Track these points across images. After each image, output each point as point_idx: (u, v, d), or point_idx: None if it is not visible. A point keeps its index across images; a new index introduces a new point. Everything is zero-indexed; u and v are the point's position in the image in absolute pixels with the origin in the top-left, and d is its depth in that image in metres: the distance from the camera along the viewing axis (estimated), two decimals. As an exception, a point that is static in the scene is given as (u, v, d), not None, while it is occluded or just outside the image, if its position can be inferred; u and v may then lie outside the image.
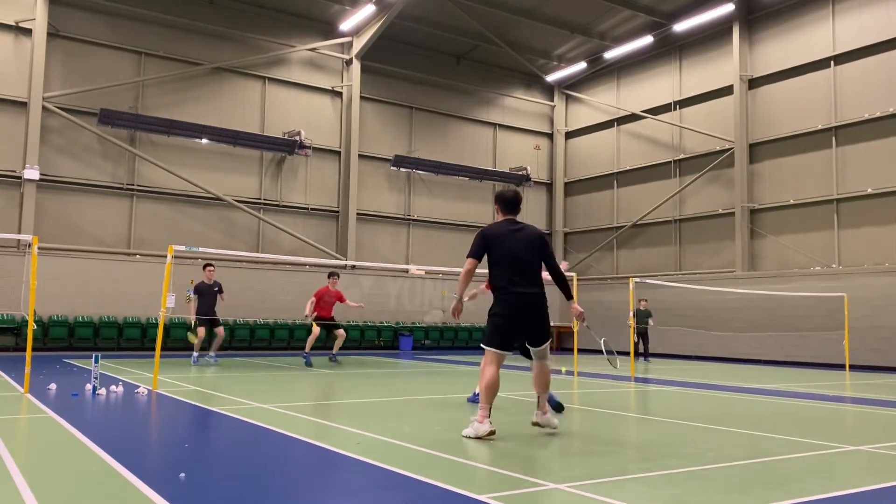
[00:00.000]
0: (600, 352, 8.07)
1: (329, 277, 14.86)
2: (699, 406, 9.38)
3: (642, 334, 19.10)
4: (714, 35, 23.11)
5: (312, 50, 23.11)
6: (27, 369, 8.79)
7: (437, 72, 25.52)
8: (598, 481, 4.53)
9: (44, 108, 18.73)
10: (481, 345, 6.36)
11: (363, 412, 7.99)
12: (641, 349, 19.15)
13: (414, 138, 25.19)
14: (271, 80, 22.59)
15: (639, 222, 25.18)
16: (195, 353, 14.17)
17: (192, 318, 14.08)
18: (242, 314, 19.45)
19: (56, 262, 18.01)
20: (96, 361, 8.76)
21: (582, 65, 26.57)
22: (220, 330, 14.40)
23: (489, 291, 6.67)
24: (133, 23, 20.39)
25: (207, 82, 21.58)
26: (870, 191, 19.19)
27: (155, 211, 20.56)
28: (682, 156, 24.13)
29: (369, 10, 22.02)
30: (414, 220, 25.07)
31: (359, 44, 23.32)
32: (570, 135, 28.43)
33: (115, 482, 4.30)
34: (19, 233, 17.73)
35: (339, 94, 23.77)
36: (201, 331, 14.13)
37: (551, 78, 27.52)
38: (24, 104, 18.69)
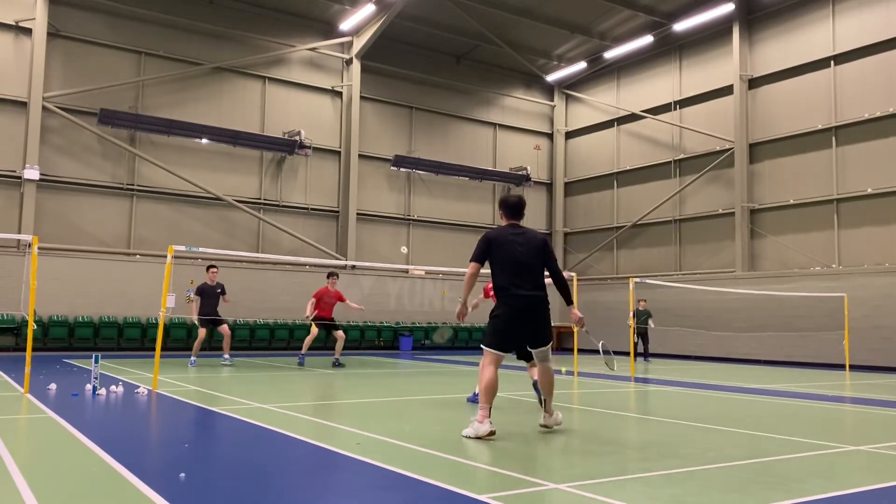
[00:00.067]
0: (604, 347, 8.11)
1: (328, 278, 14.82)
2: (699, 406, 9.38)
3: (642, 334, 19.09)
4: (714, 35, 23.11)
5: (312, 50, 23.12)
6: (27, 369, 8.79)
7: (437, 72, 25.52)
8: (598, 481, 4.53)
9: (44, 108, 18.73)
10: (481, 345, 6.41)
11: (363, 412, 7.99)
12: (641, 349, 19.14)
13: (414, 138, 25.20)
14: (271, 79, 22.59)
15: (639, 222, 25.18)
16: (193, 357, 14.15)
17: (195, 319, 14.04)
18: (242, 314, 19.45)
19: (56, 262, 18.01)
20: (96, 361, 8.76)
21: (582, 65, 26.57)
22: (225, 329, 14.26)
23: (488, 300, 6.75)
24: (133, 23, 20.40)
25: (207, 82, 21.58)
26: (870, 191, 19.19)
27: (155, 211, 20.56)
28: (682, 156, 24.13)
29: (369, 9, 22.02)
30: (414, 220, 25.08)
31: (359, 44, 23.33)
32: (570, 135, 28.43)
33: (115, 482, 4.30)
34: (19, 233, 17.74)
35: (339, 94, 23.78)
36: (202, 333, 14.10)
37: (551, 78, 27.52)
38: (24, 104, 18.69)
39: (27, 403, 7.84)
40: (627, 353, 15.44)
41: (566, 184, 28.34)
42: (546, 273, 6.52)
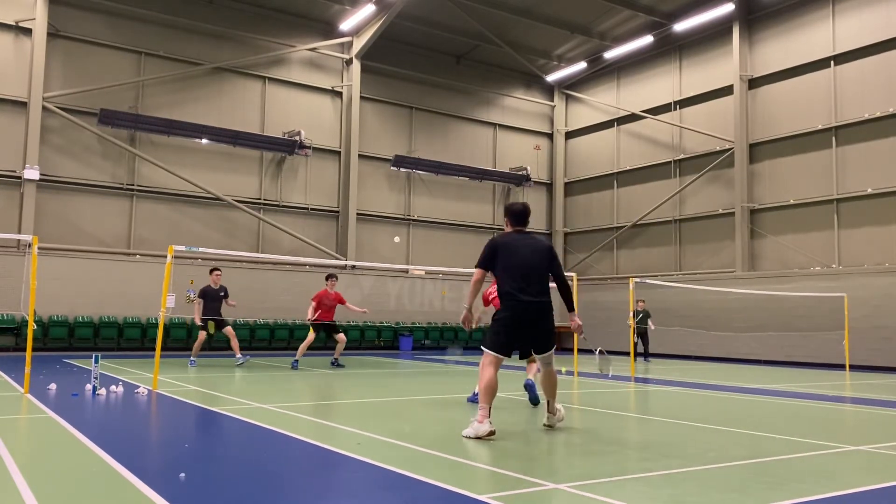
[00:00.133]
0: (600, 352, 8.19)
1: (327, 280, 14.73)
2: (699, 406, 9.38)
3: (642, 334, 19.09)
4: (714, 35, 23.11)
5: (312, 50, 23.11)
6: (27, 369, 8.79)
7: (437, 72, 25.52)
8: (598, 481, 4.53)
9: (44, 108, 18.73)
10: (482, 346, 6.44)
11: (363, 412, 7.99)
12: (641, 349, 19.14)
13: (414, 138, 25.20)
14: (271, 80, 22.59)
15: (639, 222, 25.18)
16: (193, 357, 14.15)
17: (197, 321, 14.00)
18: (242, 314, 19.43)
19: (56, 262, 18.01)
20: (96, 361, 8.76)
21: (582, 65, 26.57)
22: (229, 330, 14.18)
23: (488, 308, 6.89)
24: (133, 23, 20.40)
25: (207, 82, 21.58)
26: (870, 191, 19.19)
27: (155, 211, 20.56)
28: (682, 156, 24.13)
29: (369, 9, 22.02)
30: (414, 220, 25.07)
31: (359, 44, 23.33)
32: (570, 135, 28.43)
33: (115, 482, 4.30)
34: (19, 233, 17.74)
35: (339, 94, 23.77)
36: (202, 335, 14.07)
37: (551, 78, 27.51)
38: (24, 104, 18.69)
39: (27, 403, 7.85)
40: (627, 354, 15.44)
41: (566, 184, 28.34)
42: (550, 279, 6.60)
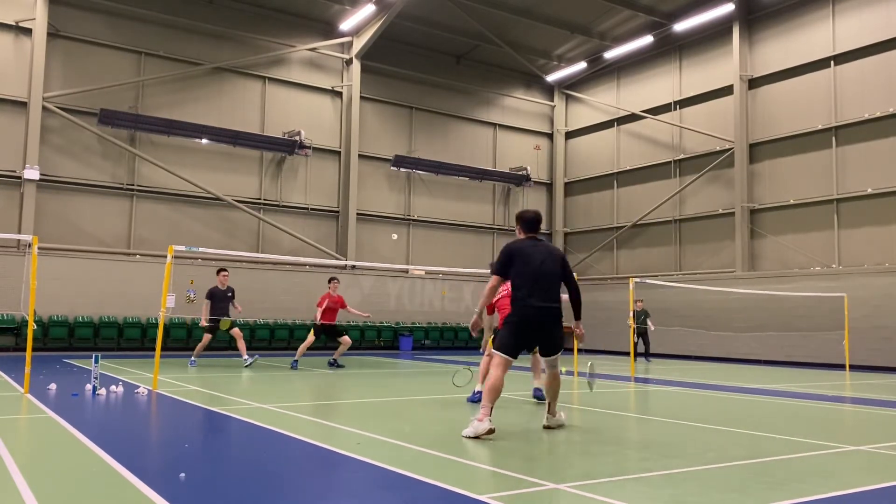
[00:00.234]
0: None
1: (329, 283, 14.76)
2: (699, 406, 9.38)
3: (642, 334, 19.08)
4: (714, 35, 23.11)
5: (312, 50, 23.11)
6: (27, 369, 8.78)
7: (437, 72, 25.51)
8: (598, 481, 4.53)
9: (44, 108, 18.73)
10: (492, 349, 6.50)
11: (363, 412, 7.99)
12: (641, 349, 19.14)
13: (414, 138, 25.19)
14: (271, 80, 22.59)
15: (639, 222, 25.18)
16: (193, 357, 14.14)
17: (203, 323, 13.96)
18: (242, 314, 19.40)
19: (56, 262, 18.01)
20: (96, 361, 8.76)
21: (582, 65, 26.56)
22: (236, 331, 14.12)
23: (491, 315, 7.07)
24: (133, 23, 20.40)
25: (207, 82, 21.58)
26: (870, 191, 19.19)
27: (155, 211, 20.56)
28: (682, 156, 24.12)
29: (369, 9, 22.02)
30: (414, 220, 25.07)
31: (359, 44, 23.33)
32: (570, 135, 28.42)
33: (115, 482, 4.30)
34: (19, 233, 17.74)
35: (339, 94, 23.77)
36: (206, 338, 14.04)
37: (551, 78, 27.51)
38: (24, 104, 18.69)
39: (27, 403, 7.84)
40: (627, 354, 15.43)
41: (566, 184, 28.34)
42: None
